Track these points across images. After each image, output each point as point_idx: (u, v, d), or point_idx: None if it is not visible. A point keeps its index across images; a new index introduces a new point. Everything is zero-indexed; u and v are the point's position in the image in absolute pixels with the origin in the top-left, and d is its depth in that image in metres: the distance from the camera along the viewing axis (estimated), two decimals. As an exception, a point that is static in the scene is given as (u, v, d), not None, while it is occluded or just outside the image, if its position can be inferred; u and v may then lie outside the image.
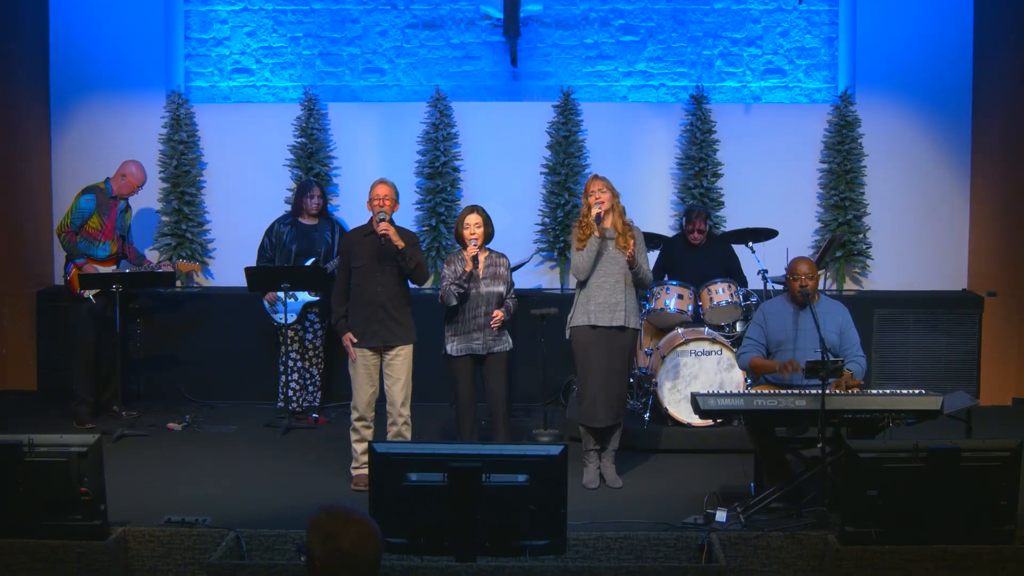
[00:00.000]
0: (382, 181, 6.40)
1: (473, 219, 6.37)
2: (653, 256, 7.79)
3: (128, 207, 7.85)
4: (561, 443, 4.65)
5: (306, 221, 7.85)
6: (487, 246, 6.44)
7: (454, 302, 6.31)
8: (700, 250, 7.79)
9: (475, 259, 6.31)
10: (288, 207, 8.41)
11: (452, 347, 6.37)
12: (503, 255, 6.52)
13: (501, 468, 4.43)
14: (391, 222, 6.25)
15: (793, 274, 6.01)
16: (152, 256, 8.45)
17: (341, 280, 6.43)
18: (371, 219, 6.35)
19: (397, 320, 6.32)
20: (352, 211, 8.34)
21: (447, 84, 8.79)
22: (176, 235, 8.59)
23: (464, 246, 6.38)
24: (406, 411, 6.34)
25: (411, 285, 6.49)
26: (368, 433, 6.35)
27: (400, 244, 6.21)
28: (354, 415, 6.35)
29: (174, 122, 8.62)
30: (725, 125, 8.62)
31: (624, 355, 6.31)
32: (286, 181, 8.61)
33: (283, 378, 7.74)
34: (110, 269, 7.64)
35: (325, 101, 8.73)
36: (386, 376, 6.35)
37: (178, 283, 8.52)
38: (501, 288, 6.42)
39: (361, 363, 6.30)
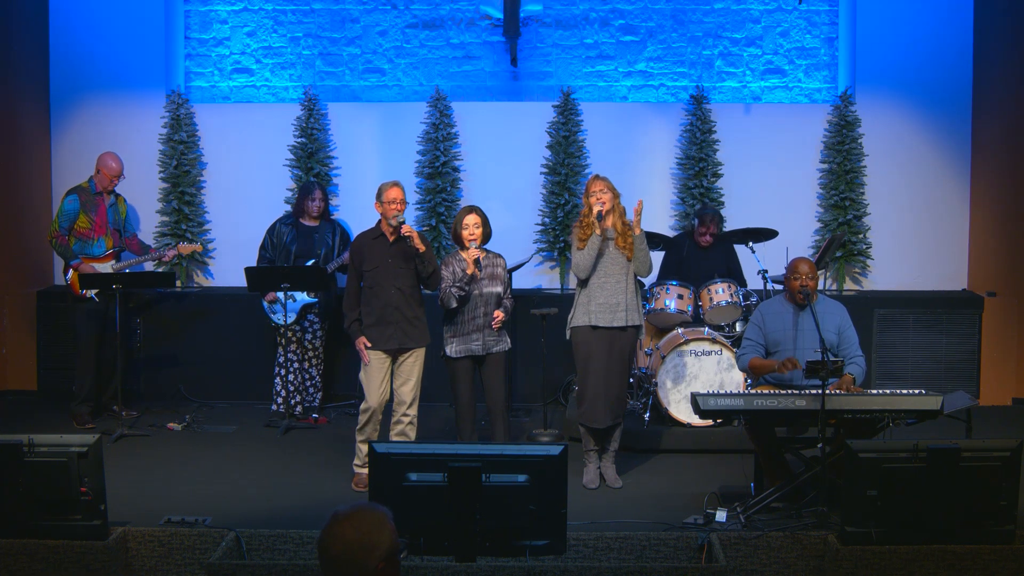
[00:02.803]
0: (395, 184, 6.31)
1: (472, 219, 6.36)
2: (654, 256, 7.76)
3: (120, 199, 7.82)
4: (561, 443, 4.64)
5: (307, 222, 7.83)
6: (484, 246, 6.43)
7: (454, 304, 6.30)
8: (704, 250, 7.79)
9: (477, 261, 6.27)
10: (288, 207, 8.41)
11: (451, 348, 6.36)
12: (500, 255, 6.51)
13: (501, 468, 4.42)
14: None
15: (794, 273, 6.00)
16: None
17: (352, 284, 6.39)
18: (379, 222, 6.33)
19: (411, 323, 6.30)
20: (352, 211, 8.34)
21: (447, 84, 8.79)
22: (176, 235, 8.57)
23: (462, 246, 6.36)
24: (413, 411, 6.33)
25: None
26: (376, 436, 6.32)
27: (422, 247, 6.19)
28: (363, 417, 6.29)
29: (174, 122, 8.61)
30: (725, 125, 8.62)
31: (624, 355, 6.31)
32: (286, 181, 8.61)
33: (277, 380, 7.73)
34: (109, 264, 7.64)
35: (325, 101, 8.73)
36: (396, 375, 6.33)
37: (178, 283, 8.52)
38: (499, 288, 6.41)
39: (375, 365, 6.28)
